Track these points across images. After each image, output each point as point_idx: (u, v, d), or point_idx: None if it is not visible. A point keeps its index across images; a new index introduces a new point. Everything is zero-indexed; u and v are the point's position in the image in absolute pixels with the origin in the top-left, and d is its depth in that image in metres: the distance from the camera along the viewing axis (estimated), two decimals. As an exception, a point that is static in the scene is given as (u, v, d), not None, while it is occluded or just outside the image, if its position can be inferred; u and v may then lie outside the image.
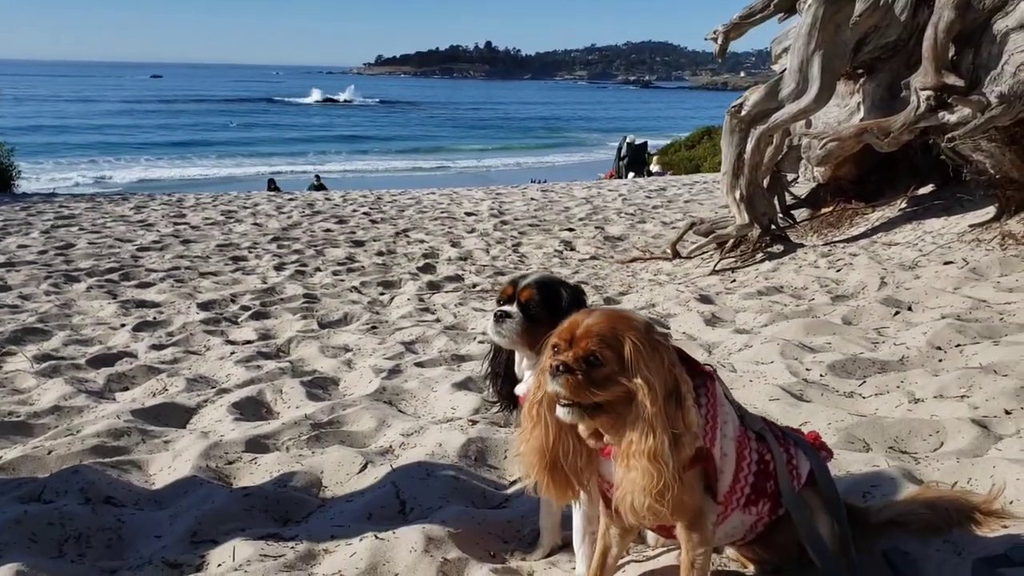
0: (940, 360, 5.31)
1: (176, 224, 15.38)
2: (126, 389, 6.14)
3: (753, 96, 9.91)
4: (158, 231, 14.45)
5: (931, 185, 10.52)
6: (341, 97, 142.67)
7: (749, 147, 9.93)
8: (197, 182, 43.69)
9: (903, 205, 10.42)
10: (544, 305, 2.97)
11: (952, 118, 8.20)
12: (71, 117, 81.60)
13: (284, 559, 3.26)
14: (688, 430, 2.40)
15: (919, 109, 8.39)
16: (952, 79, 8.10)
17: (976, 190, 9.09)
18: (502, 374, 3.23)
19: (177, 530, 3.62)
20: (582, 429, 2.54)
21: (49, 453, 4.52)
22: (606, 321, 2.44)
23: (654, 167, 37.23)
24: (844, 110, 10.26)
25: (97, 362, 6.74)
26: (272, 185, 32.41)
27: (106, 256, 11.91)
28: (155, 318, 8.32)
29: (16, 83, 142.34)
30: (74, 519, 3.68)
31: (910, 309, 6.65)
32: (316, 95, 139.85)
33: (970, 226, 8.66)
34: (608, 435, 2.49)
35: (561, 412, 2.45)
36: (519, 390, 3.10)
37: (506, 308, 2.99)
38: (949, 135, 8.13)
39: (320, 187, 30.61)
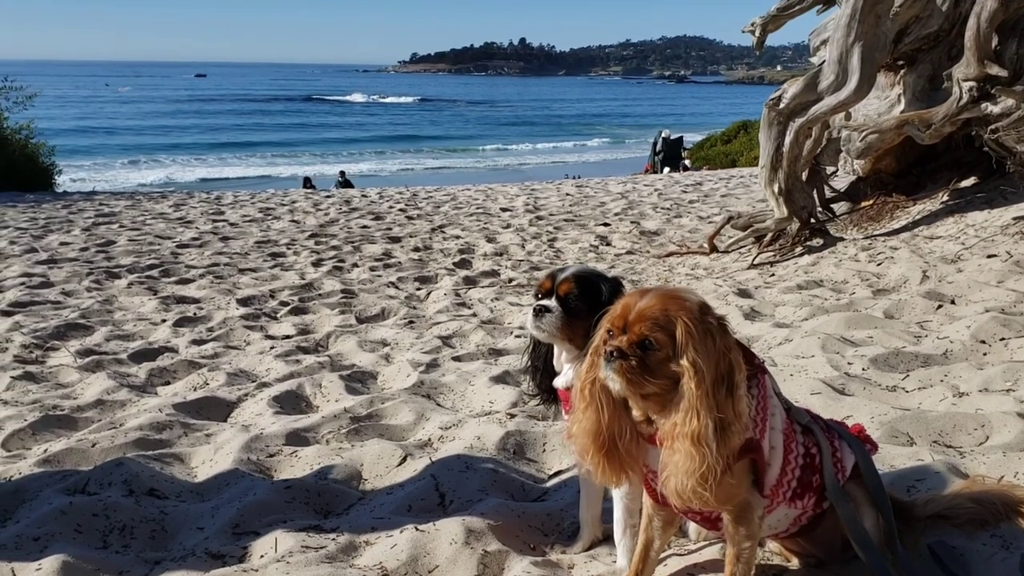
0: (984, 354, 5.24)
1: (215, 221, 15.52)
2: (167, 383, 6.21)
3: (792, 88, 9.82)
4: (197, 228, 14.59)
5: (973, 178, 10.37)
6: (385, 98, 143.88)
7: (788, 140, 9.84)
8: (260, 180, 43.87)
9: (945, 198, 10.27)
10: (583, 298, 2.94)
11: (995, 109, 8.09)
12: (119, 118, 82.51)
13: (325, 551, 3.28)
14: (738, 419, 2.36)
15: (961, 100, 8.30)
16: (995, 69, 7.99)
17: (1020, 182, 8.95)
18: (541, 368, 3.22)
19: (219, 522, 3.66)
20: (635, 412, 2.51)
21: (93, 446, 4.58)
22: (659, 303, 2.41)
23: (686, 162, 37.14)
24: (884, 102, 10.14)
25: (139, 357, 6.82)
26: (308, 183, 32.48)
27: (146, 253, 12.04)
28: (195, 314, 8.40)
29: (57, 84, 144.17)
30: (118, 510, 3.72)
31: (953, 303, 6.56)
32: (359, 95, 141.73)
33: (1014, 219, 8.53)
34: (656, 417, 2.46)
35: (611, 384, 2.43)
36: (558, 383, 3.09)
37: (545, 302, 2.97)
38: (992, 126, 8.02)
39: (346, 184, 30.59)
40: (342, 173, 34.02)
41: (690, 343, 2.35)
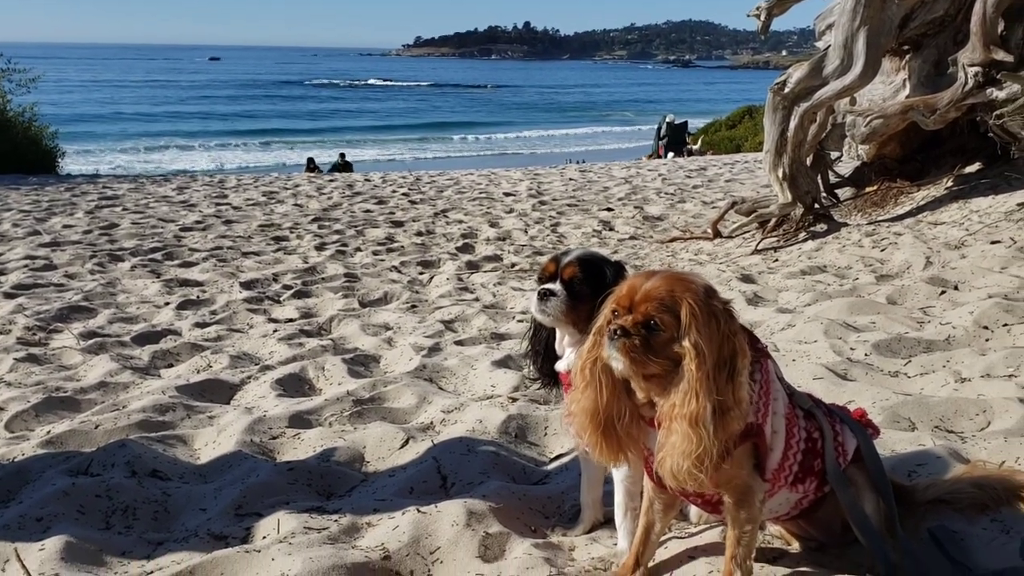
0: (987, 340, 5.23)
1: (218, 205, 15.51)
2: (171, 366, 6.22)
3: (797, 73, 9.79)
4: (200, 212, 14.59)
5: (978, 163, 10.33)
6: (395, 82, 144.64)
7: (792, 125, 9.81)
8: (274, 167, 43.52)
9: (949, 184, 10.25)
10: (587, 282, 2.93)
11: (1000, 94, 8.06)
12: (140, 103, 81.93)
13: (328, 532, 3.29)
14: (738, 404, 2.36)
15: (966, 85, 8.27)
16: (1001, 55, 7.96)
17: (1025, 168, 8.93)
18: (542, 352, 3.21)
19: (222, 503, 3.67)
20: (639, 394, 2.51)
21: (96, 427, 4.59)
22: (664, 284, 2.41)
23: (694, 147, 36.94)
24: (889, 87, 10.11)
25: (142, 339, 6.83)
26: (312, 164, 31.79)
27: (149, 236, 12.04)
28: (199, 297, 8.41)
29: (63, 67, 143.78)
30: (121, 492, 3.74)
31: (956, 289, 6.55)
32: (371, 79, 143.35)
33: (1018, 205, 8.50)
34: (657, 398, 2.46)
35: (614, 363, 2.43)
36: (560, 367, 3.09)
37: (550, 286, 2.95)
38: (997, 112, 7.99)
39: (345, 167, 29.97)
40: (342, 155, 33.24)
41: (693, 325, 2.34)
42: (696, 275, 2.49)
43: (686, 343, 2.35)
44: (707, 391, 2.32)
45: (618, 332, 2.40)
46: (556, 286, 2.95)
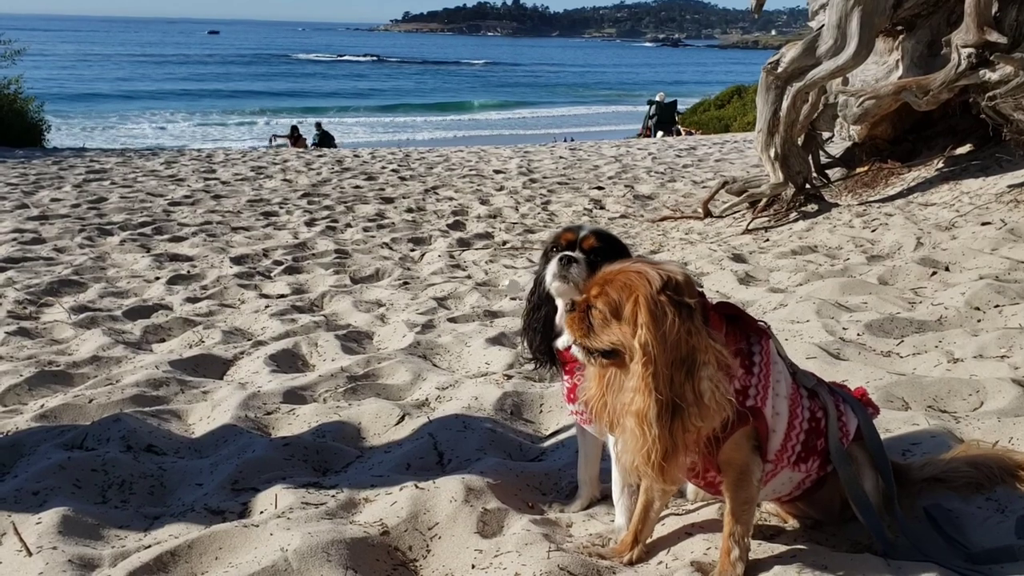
0: (979, 320, 5.27)
1: (207, 180, 15.42)
2: (163, 341, 6.20)
3: (790, 52, 9.77)
4: (189, 186, 14.50)
5: (969, 145, 10.36)
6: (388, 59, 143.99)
7: (785, 104, 9.79)
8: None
9: (940, 165, 10.27)
10: (607, 253, 2.92)
11: (993, 76, 8.07)
12: (145, 79, 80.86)
13: (325, 507, 3.29)
14: (699, 402, 2.36)
15: (959, 67, 8.27)
16: (994, 36, 7.96)
17: (1016, 150, 8.96)
18: (541, 329, 3.14)
19: (218, 478, 3.67)
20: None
21: (90, 402, 4.58)
22: (622, 274, 2.44)
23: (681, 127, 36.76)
24: (882, 68, 10.10)
25: (133, 314, 6.81)
26: (295, 133, 29.29)
27: (138, 210, 11.97)
28: (189, 272, 8.38)
29: (54, 39, 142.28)
30: (116, 466, 3.74)
31: (947, 270, 6.58)
32: (362, 55, 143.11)
33: (1008, 187, 8.54)
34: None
35: (574, 348, 2.56)
36: (560, 343, 3.07)
37: (571, 253, 2.95)
38: (990, 94, 8.01)
39: (324, 138, 28.54)
40: (318, 125, 31.11)
41: (642, 322, 2.37)
42: (665, 268, 2.46)
43: (636, 341, 2.38)
44: (649, 389, 2.35)
45: (570, 305, 2.55)
46: (577, 254, 2.94)
